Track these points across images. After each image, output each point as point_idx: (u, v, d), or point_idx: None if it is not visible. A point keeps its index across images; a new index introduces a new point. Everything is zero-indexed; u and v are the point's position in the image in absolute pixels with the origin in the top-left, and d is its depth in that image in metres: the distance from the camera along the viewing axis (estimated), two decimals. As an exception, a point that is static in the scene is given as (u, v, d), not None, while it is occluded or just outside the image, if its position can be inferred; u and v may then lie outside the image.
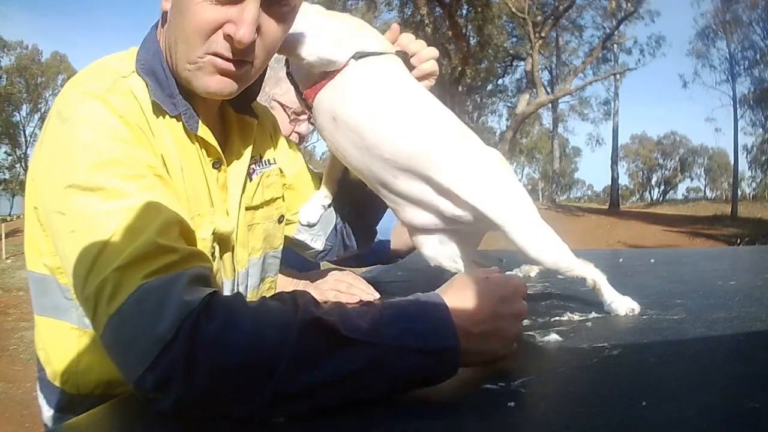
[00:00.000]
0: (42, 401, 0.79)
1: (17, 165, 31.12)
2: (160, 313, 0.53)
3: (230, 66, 0.69)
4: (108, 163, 0.62)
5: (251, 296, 0.89)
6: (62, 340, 0.73)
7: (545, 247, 0.84)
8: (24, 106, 30.90)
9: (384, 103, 0.84)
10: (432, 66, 0.95)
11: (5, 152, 30.59)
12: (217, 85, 0.70)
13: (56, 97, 0.71)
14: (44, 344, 0.77)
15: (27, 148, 31.43)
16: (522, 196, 0.86)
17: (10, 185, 30.97)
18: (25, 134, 31.26)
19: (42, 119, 31.53)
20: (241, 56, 0.69)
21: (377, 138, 0.83)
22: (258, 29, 0.68)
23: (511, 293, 0.63)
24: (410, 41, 0.94)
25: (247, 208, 0.84)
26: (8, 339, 5.77)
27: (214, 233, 0.75)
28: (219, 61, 0.68)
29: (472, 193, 0.83)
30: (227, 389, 0.51)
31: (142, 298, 0.54)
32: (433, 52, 0.96)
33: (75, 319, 0.72)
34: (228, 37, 0.67)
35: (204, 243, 0.72)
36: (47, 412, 0.78)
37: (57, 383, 0.75)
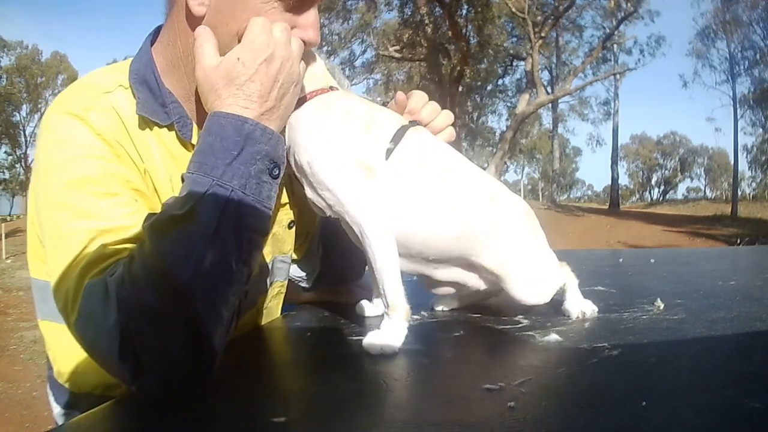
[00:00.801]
0: (51, 398, 0.81)
1: (17, 165, 31.10)
2: (107, 304, 0.55)
3: None
4: (81, 182, 0.64)
5: (260, 301, 0.89)
6: (63, 342, 0.74)
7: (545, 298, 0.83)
8: (24, 106, 30.87)
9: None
10: (449, 135, 0.86)
11: (5, 152, 30.58)
12: None
13: (44, 115, 0.73)
14: (49, 345, 0.79)
15: (27, 148, 31.41)
16: (542, 260, 0.83)
17: (10, 185, 30.95)
18: (25, 134, 31.24)
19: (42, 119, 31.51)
20: None
21: (422, 244, 0.77)
22: None
23: (269, 53, 0.63)
24: (421, 105, 0.85)
25: None
26: (8, 339, 5.78)
27: None
28: None
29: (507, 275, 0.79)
30: (175, 317, 0.55)
31: (89, 296, 0.57)
32: (449, 118, 0.86)
33: None
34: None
35: None
36: (56, 409, 0.80)
37: (61, 381, 0.78)
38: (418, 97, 0.85)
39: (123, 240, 0.61)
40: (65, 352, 0.75)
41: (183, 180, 0.60)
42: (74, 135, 0.67)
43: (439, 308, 0.95)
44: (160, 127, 0.73)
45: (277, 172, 0.63)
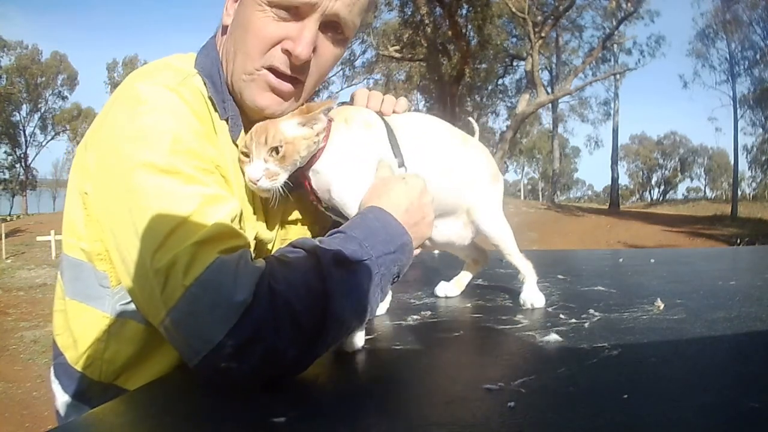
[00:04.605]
0: (56, 387, 0.79)
1: (17, 165, 31.10)
2: (236, 282, 0.58)
3: (282, 84, 0.74)
4: (187, 152, 0.66)
5: None
6: (91, 326, 0.74)
7: (502, 233, 0.94)
8: (24, 106, 30.87)
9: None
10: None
11: (5, 152, 30.55)
12: (264, 101, 0.75)
13: (120, 87, 0.72)
14: (69, 327, 0.76)
15: (27, 148, 31.45)
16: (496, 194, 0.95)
17: (10, 185, 30.93)
18: (25, 134, 31.26)
19: (42, 119, 31.56)
20: (296, 73, 0.74)
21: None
22: (314, 50, 0.74)
23: (424, 188, 0.77)
24: (378, 102, 0.88)
25: (281, 223, 0.85)
26: (8, 339, 5.78)
27: (255, 239, 0.77)
28: (272, 77, 0.74)
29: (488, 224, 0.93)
30: (305, 333, 0.59)
31: (219, 269, 0.59)
32: (405, 104, 0.90)
33: (107, 308, 0.73)
34: (286, 52, 0.72)
35: None
36: (61, 398, 0.78)
37: (78, 367, 0.75)
38: (372, 97, 0.89)
39: (234, 216, 0.65)
40: (92, 335, 0.73)
41: (343, 232, 0.67)
42: (174, 106, 0.68)
43: (443, 295, 1.05)
44: (221, 119, 0.76)
45: (397, 279, 0.71)
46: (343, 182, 0.79)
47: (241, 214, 0.69)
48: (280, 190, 0.74)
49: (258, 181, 0.73)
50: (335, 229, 0.68)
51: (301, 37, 0.72)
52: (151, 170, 0.63)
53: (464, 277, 1.07)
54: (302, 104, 0.80)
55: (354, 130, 0.82)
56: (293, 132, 0.74)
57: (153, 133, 0.65)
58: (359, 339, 0.70)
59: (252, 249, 0.76)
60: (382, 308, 0.93)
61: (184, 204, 0.62)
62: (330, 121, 0.80)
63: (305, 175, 0.80)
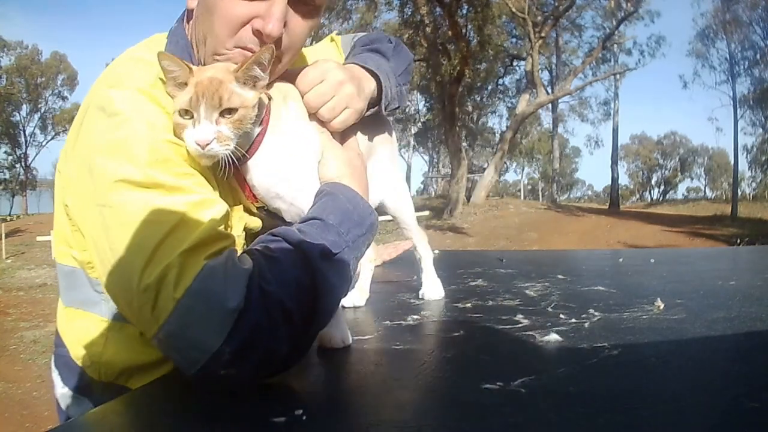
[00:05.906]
0: (56, 377, 0.79)
1: (17, 165, 31.09)
2: (227, 287, 0.57)
3: None
4: (164, 160, 0.64)
5: None
6: (89, 330, 0.74)
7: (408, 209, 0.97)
8: (24, 106, 30.84)
9: None
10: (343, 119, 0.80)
11: (5, 152, 30.52)
12: None
13: (91, 91, 0.71)
14: (70, 329, 0.77)
15: (27, 148, 31.43)
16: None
17: (10, 185, 30.92)
18: (25, 134, 31.22)
19: (42, 119, 31.55)
20: None
21: None
22: (285, 25, 0.71)
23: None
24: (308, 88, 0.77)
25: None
26: (8, 339, 5.77)
27: (245, 229, 0.76)
28: (246, 53, 0.71)
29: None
30: (298, 329, 0.60)
31: (208, 276, 0.58)
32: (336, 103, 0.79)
33: (105, 312, 0.73)
34: (257, 32, 0.70)
35: (238, 240, 0.72)
36: (61, 389, 0.78)
37: (79, 363, 0.76)
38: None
39: (221, 219, 0.64)
40: (90, 339, 0.73)
41: (320, 219, 0.66)
42: (146, 112, 0.66)
43: (432, 297, 1.02)
44: None
45: (362, 256, 0.72)
46: (299, 176, 0.72)
47: (228, 212, 0.67)
48: (229, 158, 0.66)
49: (208, 144, 0.64)
50: (311, 216, 0.67)
51: (271, 14, 0.69)
52: (129, 186, 0.62)
53: (428, 267, 1.02)
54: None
55: (294, 108, 0.75)
56: (246, 93, 0.66)
57: (128, 145, 0.64)
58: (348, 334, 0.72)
59: (243, 241, 0.75)
60: (362, 300, 0.95)
61: (167, 216, 0.61)
62: (269, 99, 0.73)
63: (238, 167, 0.71)
